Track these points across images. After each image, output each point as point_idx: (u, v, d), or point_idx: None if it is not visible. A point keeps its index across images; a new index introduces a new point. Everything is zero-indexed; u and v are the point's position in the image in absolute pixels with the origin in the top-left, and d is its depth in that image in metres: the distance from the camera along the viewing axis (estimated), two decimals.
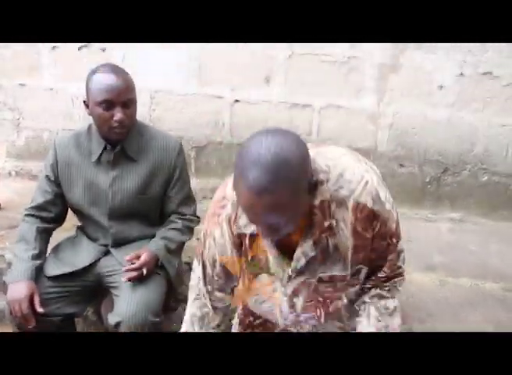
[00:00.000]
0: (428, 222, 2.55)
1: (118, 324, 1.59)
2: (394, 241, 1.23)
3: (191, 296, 1.41)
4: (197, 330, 1.40)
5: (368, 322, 1.29)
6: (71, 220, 2.18)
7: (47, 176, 1.81)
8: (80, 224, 1.95)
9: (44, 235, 1.82)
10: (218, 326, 1.42)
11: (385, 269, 1.27)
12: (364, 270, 1.27)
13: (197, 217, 1.91)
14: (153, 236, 1.83)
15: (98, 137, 1.75)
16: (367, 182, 1.15)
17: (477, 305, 1.92)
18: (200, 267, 1.36)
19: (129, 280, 1.65)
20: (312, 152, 1.12)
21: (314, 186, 1.08)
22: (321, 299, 1.29)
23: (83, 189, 1.79)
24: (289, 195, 0.99)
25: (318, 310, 1.32)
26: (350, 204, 1.14)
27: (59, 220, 1.88)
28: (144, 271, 1.66)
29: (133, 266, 1.66)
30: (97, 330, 2.14)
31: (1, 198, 2.78)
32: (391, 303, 1.30)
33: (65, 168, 1.79)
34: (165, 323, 1.83)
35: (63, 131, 2.86)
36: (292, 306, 1.32)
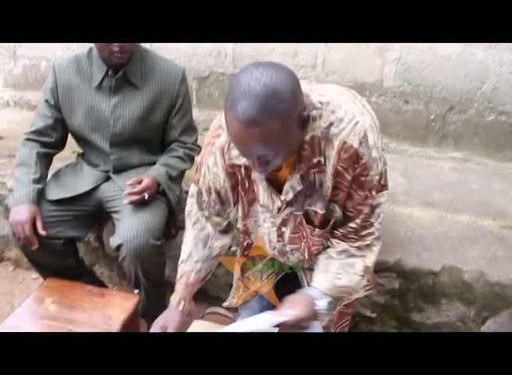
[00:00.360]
0: (431, 160, 2.52)
1: (119, 247, 1.62)
2: (373, 193, 1.20)
3: (190, 220, 1.43)
4: (200, 250, 1.41)
5: (323, 277, 1.27)
6: (70, 148, 2.16)
7: (46, 100, 1.78)
8: (80, 151, 1.94)
9: (45, 160, 1.81)
10: (222, 247, 1.45)
11: (357, 220, 1.24)
12: (338, 214, 1.25)
13: (198, 147, 1.89)
14: (153, 163, 1.82)
15: (99, 62, 1.71)
16: (357, 122, 1.12)
17: (475, 240, 1.93)
18: (196, 194, 1.38)
19: (131, 203, 1.66)
20: (307, 88, 1.11)
21: (305, 121, 1.06)
22: (305, 234, 1.31)
23: (84, 115, 1.77)
24: (277, 127, 0.99)
25: (302, 244, 1.33)
26: (337, 143, 1.12)
27: (59, 145, 1.87)
28: (146, 195, 1.67)
29: (134, 189, 1.66)
30: (98, 256, 2.18)
31: (0, 127, 2.75)
32: (360, 263, 1.26)
33: (66, 93, 1.76)
34: (165, 250, 1.85)
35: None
36: (280, 236, 1.35)
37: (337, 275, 1.26)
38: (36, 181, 1.72)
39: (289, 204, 1.25)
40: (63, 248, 1.77)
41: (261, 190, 1.26)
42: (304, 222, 1.28)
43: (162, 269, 1.79)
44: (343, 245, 1.28)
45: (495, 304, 1.78)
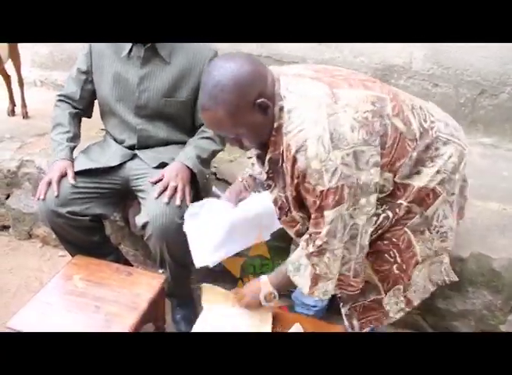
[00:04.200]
0: None
1: (145, 225, 1.63)
2: (317, 202, 1.19)
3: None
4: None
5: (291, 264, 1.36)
6: (97, 127, 2.18)
7: (79, 66, 1.84)
8: (107, 128, 1.95)
9: (76, 120, 1.89)
10: None
11: (310, 224, 1.26)
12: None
13: None
14: (182, 142, 1.83)
15: None
16: (301, 130, 1.16)
17: (504, 228, 1.88)
18: None
19: (169, 199, 1.63)
20: (286, 80, 1.22)
21: (263, 107, 1.17)
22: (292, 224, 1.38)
23: (112, 83, 1.79)
24: (223, 113, 1.14)
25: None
26: (284, 141, 1.20)
27: (88, 112, 1.94)
28: (174, 183, 1.65)
29: (159, 187, 1.65)
30: (124, 235, 2.21)
31: (28, 107, 2.78)
32: (309, 269, 1.30)
33: (98, 59, 1.80)
34: None
35: None
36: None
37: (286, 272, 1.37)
38: (70, 140, 1.81)
39: (275, 184, 1.34)
40: (90, 226, 1.79)
41: (256, 162, 1.40)
42: (287, 205, 1.35)
43: (187, 249, 1.80)
44: (299, 250, 1.33)
45: None
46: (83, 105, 1.89)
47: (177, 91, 1.77)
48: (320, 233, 1.23)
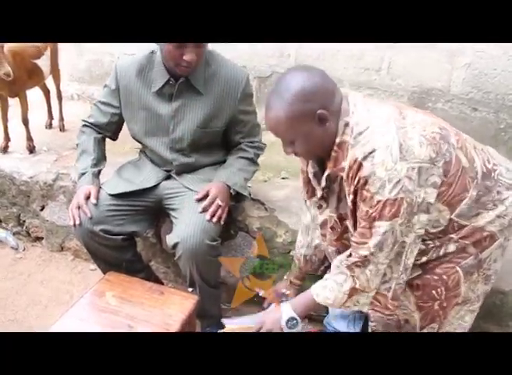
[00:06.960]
0: None
1: (175, 245, 1.62)
2: (371, 212, 1.19)
3: (303, 208, 1.62)
4: (304, 237, 1.62)
5: (320, 286, 1.37)
6: (130, 143, 2.18)
7: (106, 101, 1.81)
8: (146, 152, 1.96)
9: (102, 144, 1.88)
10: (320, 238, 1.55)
11: (356, 234, 1.26)
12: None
13: (264, 144, 1.89)
14: (216, 162, 1.82)
15: (162, 69, 1.68)
16: (370, 140, 1.17)
17: None
18: (302, 183, 1.53)
19: (212, 216, 1.63)
20: (356, 98, 1.25)
21: (322, 119, 1.18)
22: (343, 242, 1.38)
23: (143, 120, 1.76)
24: (285, 114, 1.18)
25: (340, 248, 1.41)
26: (350, 154, 1.19)
27: (114, 136, 1.93)
28: (219, 202, 1.65)
29: (205, 203, 1.65)
30: (155, 252, 2.20)
31: (65, 120, 2.83)
32: (348, 283, 1.29)
33: (127, 96, 1.76)
34: (224, 251, 1.84)
35: (125, 56, 2.82)
36: (323, 235, 1.45)
37: (329, 288, 1.35)
38: (94, 165, 1.80)
39: (328, 204, 1.35)
40: (122, 244, 1.79)
41: (312, 180, 1.39)
42: (339, 226, 1.36)
43: (218, 270, 1.78)
44: (339, 259, 1.32)
45: None
46: (109, 133, 1.88)
47: (213, 121, 1.74)
48: (366, 243, 1.22)
